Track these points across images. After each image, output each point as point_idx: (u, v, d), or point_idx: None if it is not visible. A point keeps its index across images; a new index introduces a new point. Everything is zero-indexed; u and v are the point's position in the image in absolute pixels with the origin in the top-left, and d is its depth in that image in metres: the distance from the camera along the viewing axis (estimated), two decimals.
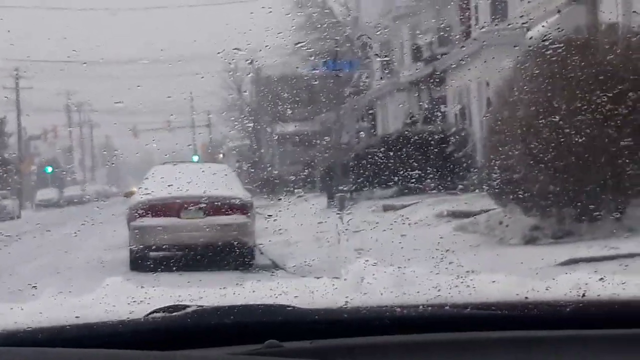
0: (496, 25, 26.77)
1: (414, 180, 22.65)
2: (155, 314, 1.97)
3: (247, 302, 2.00)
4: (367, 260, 2.13)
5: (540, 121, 13.29)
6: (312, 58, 36.45)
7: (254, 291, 2.23)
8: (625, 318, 1.98)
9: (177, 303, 2.00)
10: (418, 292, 2.04)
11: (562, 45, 13.81)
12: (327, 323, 1.94)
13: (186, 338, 1.93)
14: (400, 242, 12.76)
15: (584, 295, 2.08)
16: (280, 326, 1.91)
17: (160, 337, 1.93)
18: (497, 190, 14.72)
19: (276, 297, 2.10)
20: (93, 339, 1.88)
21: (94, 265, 13.59)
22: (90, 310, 2.02)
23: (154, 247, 14.61)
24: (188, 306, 1.97)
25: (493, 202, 15.57)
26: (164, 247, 14.74)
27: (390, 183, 24.65)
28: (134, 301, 2.08)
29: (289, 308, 1.95)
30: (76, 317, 2.00)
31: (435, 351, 1.94)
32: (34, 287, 7.80)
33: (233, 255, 13.64)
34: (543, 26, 19.23)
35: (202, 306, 1.97)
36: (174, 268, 13.49)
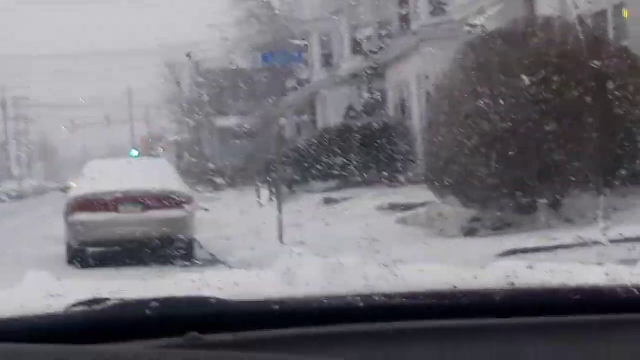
0: (435, 19, 26.93)
1: (355, 173, 22.72)
2: (74, 308, 1.91)
3: (170, 294, 1.96)
4: (292, 251, 2.10)
5: (478, 113, 13.40)
6: (252, 51, 36.35)
7: (176, 283, 2.18)
8: (554, 305, 1.97)
9: (97, 296, 1.95)
10: (346, 282, 2.01)
11: (499, 38, 13.94)
12: (250, 315, 1.90)
13: (107, 331, 1.86)
14: (338, 233, 12.77)
15: (513, 283, 2.06)
16: (203, 318, 1.86)
17: (79, 331, 1.86)
18: (436, 182, 14.81)
19: (199, 289, 2.06)
20: (7, 334, 1.81)
21: (27, 261, 13.39)
22: (4, 305, 1.96)
23: (91, 242, 14.47)
24: (108, 299, 1.91)
25: (433, 195, 15.68)
26: (102, 242, 14.60)
27: (332, 176, 24.69)
28: (53, 295, 2.02)
29: (212, 300, 1.91)
30: None
31: (362, 341, 1.91)
32: None
33: (172, 250, 13.55)
34: (481, 20, 19.38)
35: (123, 299, 1.92)
36: (112, 263, 13.35)
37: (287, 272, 1.97)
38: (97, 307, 1.92)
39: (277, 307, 1.93)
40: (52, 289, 2.04)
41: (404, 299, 1.98)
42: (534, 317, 1.99)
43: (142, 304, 1.90)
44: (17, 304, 1.93)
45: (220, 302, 1.91)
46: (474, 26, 18.73)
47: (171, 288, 2.02)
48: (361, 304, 1.95)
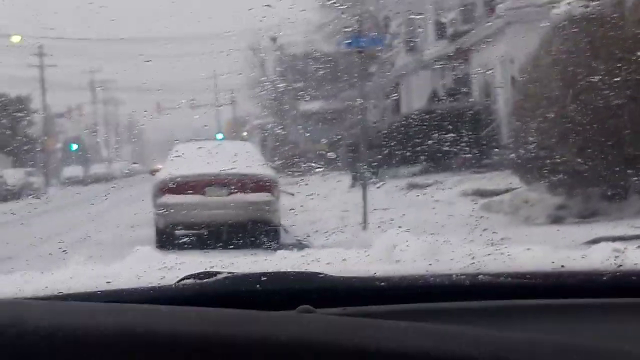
0: (521, 2, 26.55)
1: (438, 158, 22.59)
2: (186, 280, 1.96)
3: (278, 269, 2.00)
4: (399, 227, 2.11)
5: (565, 97, 13.20)
6: (336, 35, 36.35)
7: (285, 258, 2.22)
8: None
9: (207, 269, 2.00)
10: (452, 259, 2.02)
11: (587, 21, 13.69)
12: (359, 290, 1.93)
13: (217, 304, 1.92)
14: (435, 213, 12.69)
15: (620, 265, 2.05)
16: (312, 293, 1.90)
17: (191, 303, 1.92)
18: (522, 168, 14.64)
19: (307, 264, 2.09)
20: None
21: (121, 240, 13.66)
22: (120, 276, 2.02)
23: (178, 224, 14.65)
24: (219, 273, 1.96)
25: (518, 181, 15.50)
26: (189, 224, 14.76)
27: (415, 161, 24.59)
28: (165, 267, 2.08)
29: (321, 275, 1.94)
30: (107, 282, 2.00)
31: (470, 318, 1.92)
32: (64, 251, 7.82)
33: (258, 234, 13.65)
34: (568, 3, 19.05)
35: (233, 273, 1.96)
36: (199, 246, 13.51)
37: (393, 249, 1.99)
38: (207, 280, 1.97)
39: (384, 283, 1.96)
40: (165, 262, 2.09)
41: (510, 278, 1.99)
42: None
43: (252, 277, 1.95)
44: (132, 276, 1.99)
45: (329, 278, 1.95)
46: (561, 9, 18.43)
47: (279, 264, 2.06)
48: (467, 282, 1.96)
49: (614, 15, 13.65)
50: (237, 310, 1.53)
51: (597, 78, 12.89)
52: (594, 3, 15.05)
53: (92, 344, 1.27)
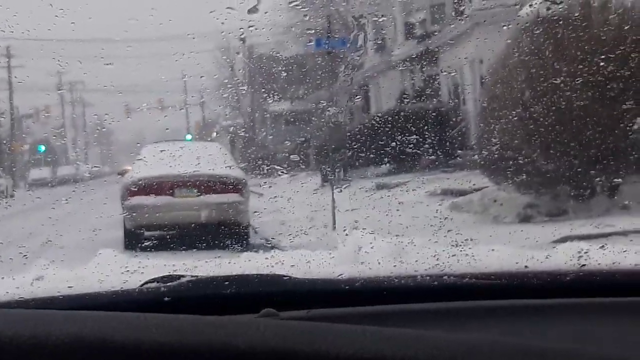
0: (489, 2, 26.68)
1: (407, 158, 22.65)
2: (149, 284, 1.95)
3: (242, 272, 1.98)
4: (364, 229, 2.11)
5: (532, 97, 13.28)
6: (305, 36, 36.36)
7: (249, 260, 2.21)
8: (625, 286, 1.97)
9: (171, 273, 1.98)
10: (416, 261, 2.02)
11: (554, 22, 13.78)
12: (324, 293, 1.92)
13: (181, 308, 1.90)
14: (400, 215, 12.73)
15: (583, 265, 2.06)
16: (277, 296, 1.89)
17: (155, 307, 1.90)
18: (491, 168, 14.71)
19: (272, 267, 2.08)
20: (86, 309, 1.85)
21: (88, 242, 13.57)
22: (83, 280, 2.00)
23: (147, 225, 14.58)
24: (183, 276, 1.94)
25: (487, 180, 15.57)
26: (157, 225, 14.70)
27: (384, 161, 24.65)
28: (128, 271, 2.06)
29: (285, 278, 1.93)
30: (69, 287, 1.98)
31: (434, 320, 1.92)
32: (25, 256, 7.75)
33: (227, 234, 13.61)
34: (534, 4, 19.16)
35: (197, 276, 1.95)
36: (168, 247, 13.46)
37: (359, 251, 1.99)
38: (171, 284, 1.95)
39: (348, 285, 1.95)
40: (128, 266, 2.08)
41: (474, 279, 1.99)
42: (605, 297, 1.98)
43: (216, 281, 1.93)
44: (95, 279, 1.97)
45: (293, 280, 1.94)
46: (528, 10, 18.54)
47: (243, 266, 2.05)
48: (432, 283, 1.96)
49: (580, 16, 13.75)
50: (195, 316, 1.52)
51: (561, 79, 12.98)
52: (560, 4, 15.16)
53: (45, 353, 1.26)
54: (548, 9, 14.11)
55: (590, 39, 13.06)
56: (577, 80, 12.82)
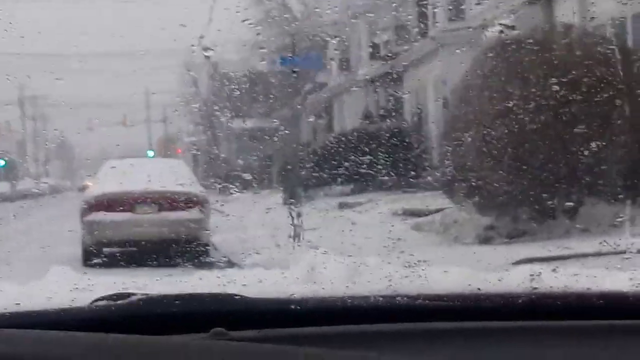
0: (453, 24, 26.89)
1: (370, 177, 22.71)
2: (99, 302, 1.92)
3: (194, 291, 1.96)
4: (317, 249, 2.09)
5: (493, 117, 13.38)
6: (270, 54, 36.39)
7: (200, 279, 2.19)
8: (577, 309, 1.97)
9: (121, 291, 1.96)
10: (369, 282, 2.01)
11: (518, 44, 13.91)
12: (275, 312, 1.91)
13: (131, 327, 1.87)
14: (353, 235, 12.74)
15: (535, 288, 2.06)
16: (228, 315, 1.87)
17: (104, 325, 1.87)
18: (452, 188, 14.77)
19: (224, 285, 2.06)
20: (33, 327, 1.82)
21: (41, 257, 13.42)
22: (31, 298, 1.97)
23: (107, 242, 14.48)
24: (133, 294, 1.92)
25: (448, 201, 15.63)
26: (117, 242, 14.61)
27: (347, 180, 24.68)
28: (77, 289, 2.03)
29: (237, 297, 1.91)
30: (16, 304, 1.95)
31: (386, 341, 1.91)
32: None
33: (187, 251, 13.54)
34: (500, 25, 19.33)
35: (147, 294, 1.93)
36: (127, 264, 13.36)
37: (312, 270, 1.98)
38: (121, 302, 1.93)
39: (300, 305, 1.94)
40: (77, 283, 2.05)
41: (427, 301, 1.98)
42: (557, 320, 1.99)
43: (167, 299, 1.91)
44: (43, 297, 1.94)
45: (245, 299, 1.92)
46: (491, 32, 18.71)
47: (195, 285, 2.03)
48: (384, 305, 1.95)
49: (535, 41, 13.89)
50: (141, 336, 1.50)
51: (517, 101, 13.10)
52: (525, 26, 15.31)
53: None
54: (506, 32, 14.27)
55: (546, 63, 13.20)
56: (537, 102, 12.95)
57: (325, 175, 25.07)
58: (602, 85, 12.77)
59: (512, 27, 14.12)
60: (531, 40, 13.77)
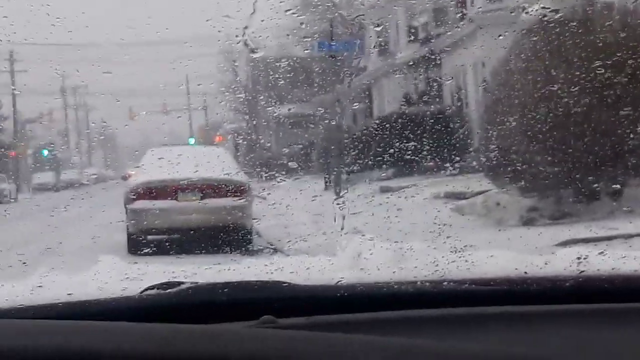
0: (492, 5, 26.70)
1: (411, 161, 22.65)
2: (149, 291, 1.95)
3: (242, 279, 1.99)
4: (363, 235, 2.10)
5: (536, 100, 13.27)
6: (308, 39, 36.36)
7: (248, 267, 2.21)
8: (625, 292, 1.97)
9: (171, 280, 1.99)
10: (416, 267, 2.02)
11: (560, 25, 13.77)
12: (323, 299, 1.92)
13: (180, 315, 1.90)
14: (398, 220, 12.74)
15: (582, 271, 2.06)
16: (276, 302, 1.89)
17: (154, 314, 1.90)
18: (494, 171, 14.70)
19: (271, 273, 2.08)
20: (86, 316, 1.85)
21: (90, 247, 13.57)
22: (83, 287, 2.00)
23: (151, 229, 14.59)
24: (182, 283, 1.95)
25: (490, 183, 15.56)
26: (161, 230, 14.71)
27: (388, 164, 24.64)
28: (128, 278, 2.06)
29: (285, 284, 1.93)
30: (68, 294, 1.98)
31: (433, 326, 1.92)
32: (24, 264, 7.76)
33: (230, 238, 13.61)
34: (539, 6, 19.14)
35: (196, 283, 1.95)
36: (171, 251, 13.47)
37: (358, 257, 1.99)
38: (171, 291, 1.95)
39: (348, 292, 1.95)
40: (127, 272, 2.08)
41: (474, 285, 1.99)
42: (605, 303, 1.98)
43: (215, 288, 1.93)
44: (94, 286, 1.98)
45: (293, 287, 1.94)
46: (532, 13, 18.54)
47: (243, 273, 2.05)
48: (431, 290, 1.96)
49: (579, 21, 13.74)
50: (191, 325, 1.52)
51: (561, 84, 12.97)
52: (563, 9, 15.15)
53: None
54: (548, 13, 14.11)
55: (589, 45, 13.06)
56: (579, 83, 12.81)
57: (366, 160, 25.05)
58: None
59: (556, 11, 13.97)
60: (574, 22, 13.62)
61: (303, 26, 36.33)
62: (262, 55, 36.82)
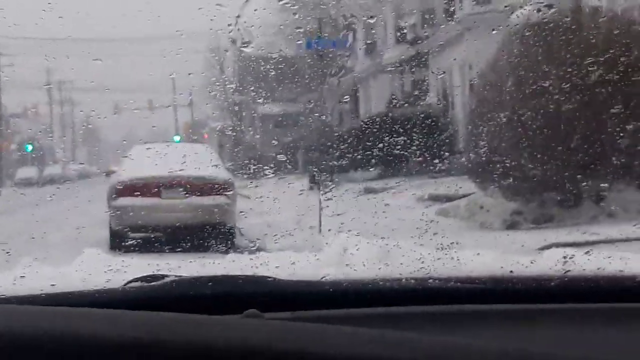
0: (479, 7, 26.76)
1: (396, 162, 22.67)
2: (133, 283, 1.94)
3: (226, 273, 1.98)
4: (349, 231, 2.10)
5: (520, 101, 13.30)
6: (295, 36, 36.37)
7: (233, 261, 2.20)
8: (610, 292, 1.97)
9: (155, 273, 1.97)
10: (401, 264, 2.01)
11: (545, 26, 13.80)
12: (308, 294, 1.91)
13: (164, 308, 1.89)
14: (385, 217, 12.74)
15: (568, 271, 2.06)
16: (261, 297, 1.88)
17: (137, 307, 1.89)
18: (478, 172, 14.73)
19: (256, 268, 2.07)
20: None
21: (73, 242, 13.50)
22: (66, 279, 1.99)
23: (134, 226, 14.54)
24: (167, 276, 1.94)
25: (474, 186, 15.58)
26: (144, 226, 14.67)
27: (372, 165, 24.65)
28: (111, 270, 2.05)
29: (270, 279, 1.92)
30: (51, 285, 1.97)
31: (418, 323, 1.92)
32: (7, 253, 7.75)
33: (213, 236, 13.59)
34: (526, 8, 19.19)
35: (180, 276, 1.94)
36: (154, 248, 13.44)
37: (343, 253, 1.98)
38: (155, 284, 1.94)
39: (333, 287, 1.94)
40: (111, 265, 2.07)
41: (460, 283, 1.99)
42: (590, 303, 1.98)
43: (200, 281, 1.92)
44: (78, 278, 1.96)
45: (278, 282, 1.93)
46: (519, 15, 18.58)
47: (228, 267, 2.05)
48: (417, 287, 1.96)
49: (570, 20, 13.76)
50: (178, 314, 1.51)
51: (550, 83, 12.99)
52: (551, 10, 15.17)
53: (19, 349, 1.25)
54: (538, 11, 14.12)
55: (579, 43, 13.08)
56: (566, 85, 12.84)
57: (351, 160, 25.06)
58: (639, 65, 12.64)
59: (550, 6, 13.96)
60: (564, 19, 13.64)
61: (293, 23, 36.31)
62: (250, 52, 36.80)
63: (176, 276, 1.94)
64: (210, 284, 1.89)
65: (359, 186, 23.58)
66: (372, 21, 37.86)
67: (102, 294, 1.94)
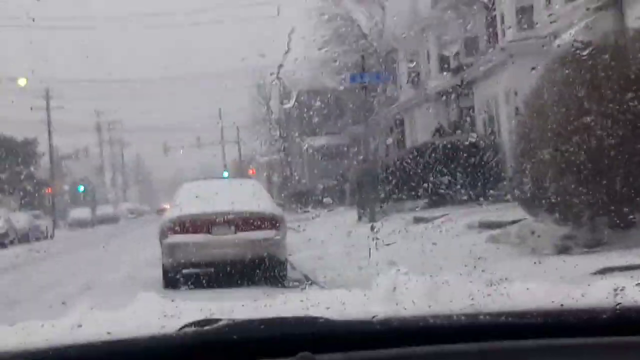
0: (523, 34, 26.69)
1: (444, 191, 22.60)
2: (186, 328, 1.97)
3: (278, 315, 2.00)
4: (398, 270, 2.11)
5: (569, 128, 13.20)
6: (340, 71, 36.52)
7: (285, 303, 2.22)
8: None
9: (208, 317, 2.00)
10: (451, 301, 2.02)
11: (590, 52, 13.71)
12: (359, 334, 1.93)
13: (218, 351, 1.91)
14: (432, 251, 12.69)
15: (619, 303, 2.05)
16: (312, 338, 1.90)
17: (192, 352, 1.92)
18: (528, 199, 14.61)
19: (307, 309, 2.09)
20: (125, 355, 1.87)
21: (127, 282, 13.62)
22: (122, 325, 2.02)
23: (185, 264, 14.62)
24: (220, 319, 1.96)
25: (524, 212, 15.46)
26: (196, 263, 14.73)
27: (421, 195, 24.60)
28: (166, 316, 2.08)
29: (321, 320, 1.94)
30: (107, 333, 2.00)
31: None
32: (63, 303, 7.84)
33: (265, 271, 13.62)
34: (570, 34, 19.12)
35: (233, 319, 1.97)
36: (207, 284, 13.50)
37: (393, 290, 2.00)
38: (208, 328, 1.97)
39: (384, 326, 1.95)
40: (165, 310, 2.10)
41: (510, 318, 1.99)
42: None
43: (253, 324, 1.95)
44: (133, 324, 1.99)
45: (329, 322, 1.95)
46: (563, 40, 18.50)
47: (279, 308, 2.07)
48: (467, 323, 1.96)
49: (615, 48, 13.67)
50: None
51: (599, 112, 12.90)
52: (596, 33, 15.08)
53: None
54: (580, 45, 14.03)
55: (621, 76, 12.98)
56: (610, 117, 12.74)
57: (399, 191, 25.03)
58: None
59: (588, 43, 13.89)
60: (605, 51, 13.55)
61: (336, 60, 36.50)
62: (295, 88, 37.00)
63: (229, 320, 1.97)
64: (262, 326, 1.91)
65: (408, 216, 23.53)
66: (415, 51, 37.90)
67: (157, 339, 1.97)
